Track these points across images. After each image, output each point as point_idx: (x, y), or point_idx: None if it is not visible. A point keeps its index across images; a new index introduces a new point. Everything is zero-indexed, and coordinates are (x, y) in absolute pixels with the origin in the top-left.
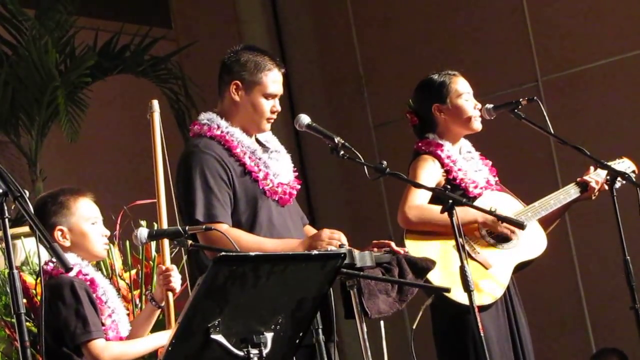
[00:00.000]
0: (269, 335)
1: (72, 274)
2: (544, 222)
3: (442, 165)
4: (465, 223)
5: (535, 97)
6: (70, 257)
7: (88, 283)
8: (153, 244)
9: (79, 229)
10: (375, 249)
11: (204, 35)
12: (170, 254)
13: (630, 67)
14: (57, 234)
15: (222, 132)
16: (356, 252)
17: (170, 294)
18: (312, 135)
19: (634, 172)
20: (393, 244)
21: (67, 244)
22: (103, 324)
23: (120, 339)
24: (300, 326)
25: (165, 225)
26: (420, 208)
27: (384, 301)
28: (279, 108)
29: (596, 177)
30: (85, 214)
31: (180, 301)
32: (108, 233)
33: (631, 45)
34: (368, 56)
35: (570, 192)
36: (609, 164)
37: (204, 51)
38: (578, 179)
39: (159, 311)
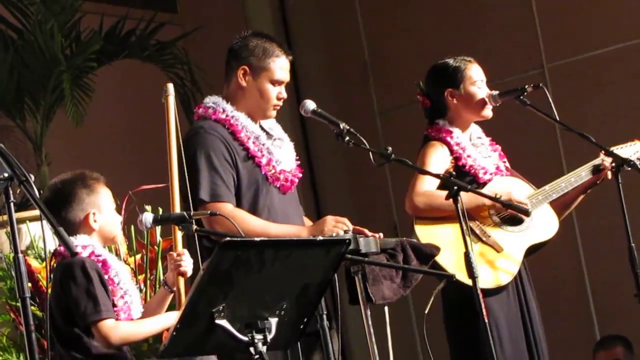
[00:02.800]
0: (273, 321)
1: (84, 254)
2: (559, 207)
3: (451, 152)
4: (474, 207)
5: (541, 84)
6: (83, 239)
7: (100, 264)
8: (158, 228)
9: (107, 214)
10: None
11: (209, 20)
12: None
13: (636, 54)
14: (91, 217)
15: (227, 115)
16: (361, 238)
17: (181, 278)
18: (318, 122)
19: None
20: (367, 232)
21: (97, 227)
22: (115, 305)
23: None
24: (305, 312)
25: (177, 210)
26: (428, 195)
27: (388, 287)
28: (285, 95)
29: (608, 159)
30: (110, 199)
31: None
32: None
33: (637, 33)
34: (373, 42)
35: (581, 175)
36: (620, 146)
37: (210, 36)
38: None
39: (171, 295)
